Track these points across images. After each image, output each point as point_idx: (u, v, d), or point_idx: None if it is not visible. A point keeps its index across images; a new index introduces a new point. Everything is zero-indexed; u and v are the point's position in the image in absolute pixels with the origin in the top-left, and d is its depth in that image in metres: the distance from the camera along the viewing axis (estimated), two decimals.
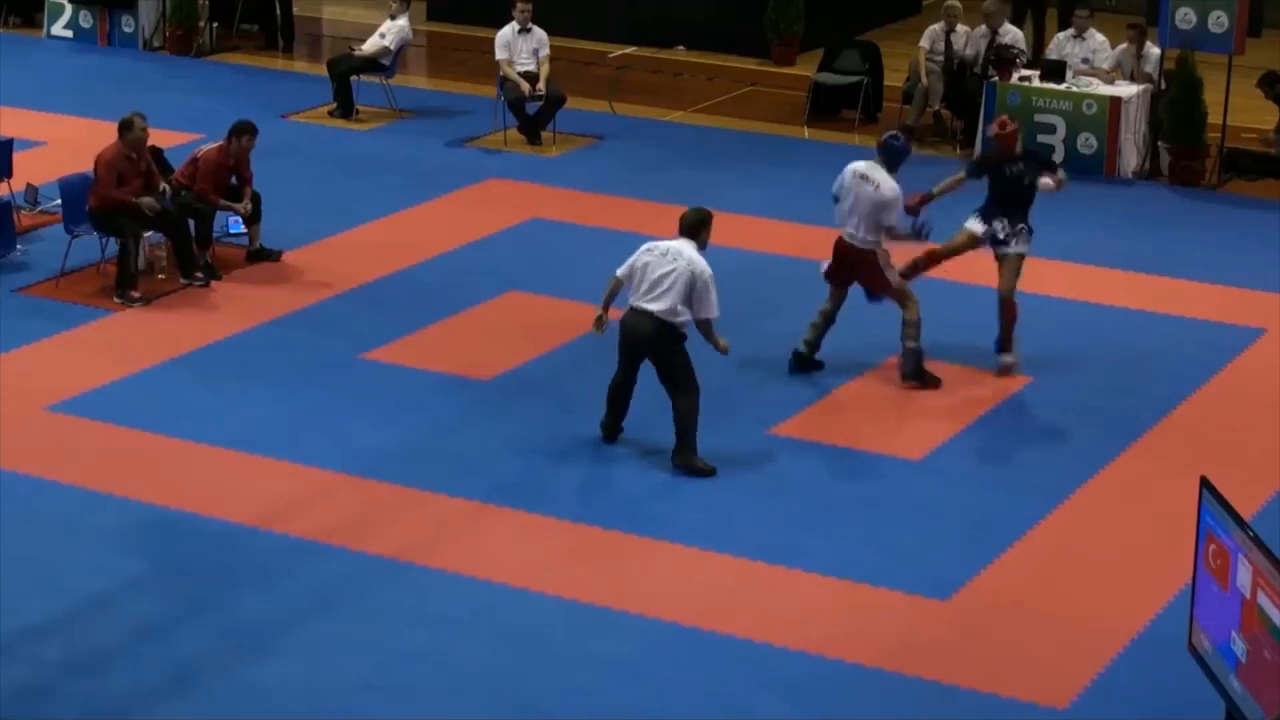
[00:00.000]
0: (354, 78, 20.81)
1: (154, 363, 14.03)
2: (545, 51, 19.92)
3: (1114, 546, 11.62)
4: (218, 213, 16.03)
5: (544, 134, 19.93)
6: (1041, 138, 19.13)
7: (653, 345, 12.48)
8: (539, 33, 19.96)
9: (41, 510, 11.76)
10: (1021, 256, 14.17)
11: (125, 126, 15.37)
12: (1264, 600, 8.35)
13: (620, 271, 12.72)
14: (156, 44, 23.57)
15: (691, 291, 12.34)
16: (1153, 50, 19.52)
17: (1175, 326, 15.16)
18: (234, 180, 16.06)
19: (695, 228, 12.62)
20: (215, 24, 23.97)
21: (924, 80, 20.17)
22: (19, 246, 16.12)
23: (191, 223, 15.66)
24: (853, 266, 13.98)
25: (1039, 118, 19.17)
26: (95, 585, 10.83)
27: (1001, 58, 19.64)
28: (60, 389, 13.49)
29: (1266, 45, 23.26)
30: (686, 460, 12.46)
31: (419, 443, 12.84)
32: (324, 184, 18.42)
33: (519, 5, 19.92)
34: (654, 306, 12.39)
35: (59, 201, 16.04)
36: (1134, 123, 19.11)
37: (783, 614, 10.70)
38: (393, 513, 11.86)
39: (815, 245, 16.75)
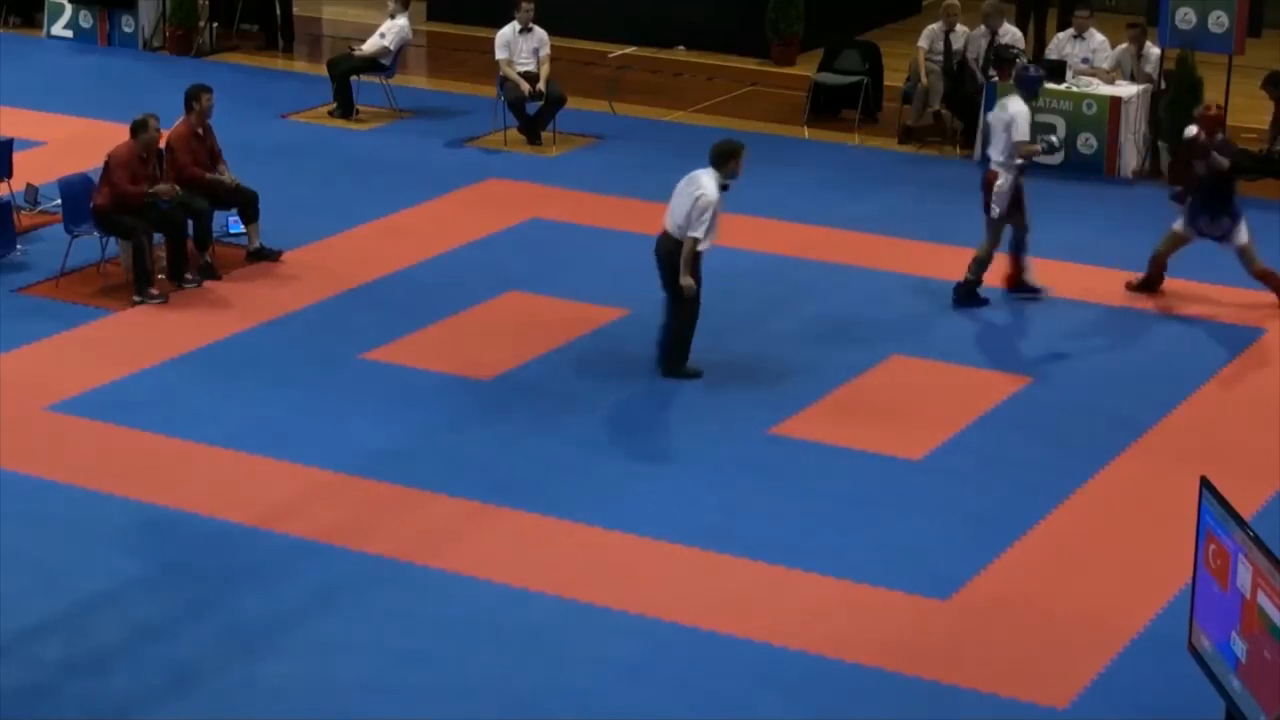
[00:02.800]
0: (354, 78, 20.81)
1: (154, 363, 14.03)
2: (545, 51, 19.92)
3: (1114, 546, 11.62)
4: (217, 213, 16.03)
5: (544, 134, 19.93)
6: (1041, 138, 19.12)
7: (669, 260, 13.57)
8: (539, 33, 19.95)
9: (41, 510, 11.76)
10: (1244, 247, 15.22)
11: (140, 127, 15.35)
12: (1264, 600, 8.35)
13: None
14: (156, 44, 23.56)
15: (690, 211, 13.40)
16: (1153, 50, 19.52)
17: (1175, 326, 15.15)
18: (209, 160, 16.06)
19: (721, 158, 13.54)
20: (215, 24, 23.97)
21: (924, 80, 20.16)
22: (19, 246, 16.13)
23: (189, 223, 15.66)
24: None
25: (1039, 118, 19.12)
26: (95, 585, 10.83)
27: (1001, 57, 19.62)
28: (60, 389, 13.49)
29: (1266, 45, 23.26)
30: (676, 367, 13.72)
31: (419, 443, 12.84)
32: (324, 184, 18.43)
33: (522, 5, 19.89)
34: (668, 225, 13.60)
35: (59, 201, 16.04)
36: (1134, 123, 19.11)
37: (783, 614, 10.69)
38: (393, 513, 11.86)
39: (816, 245, 16.79)
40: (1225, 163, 15.08)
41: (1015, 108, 15.22)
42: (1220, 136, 15.42)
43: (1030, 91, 15.52)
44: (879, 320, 14.75)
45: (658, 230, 13.62)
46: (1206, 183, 15.22)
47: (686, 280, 13.49)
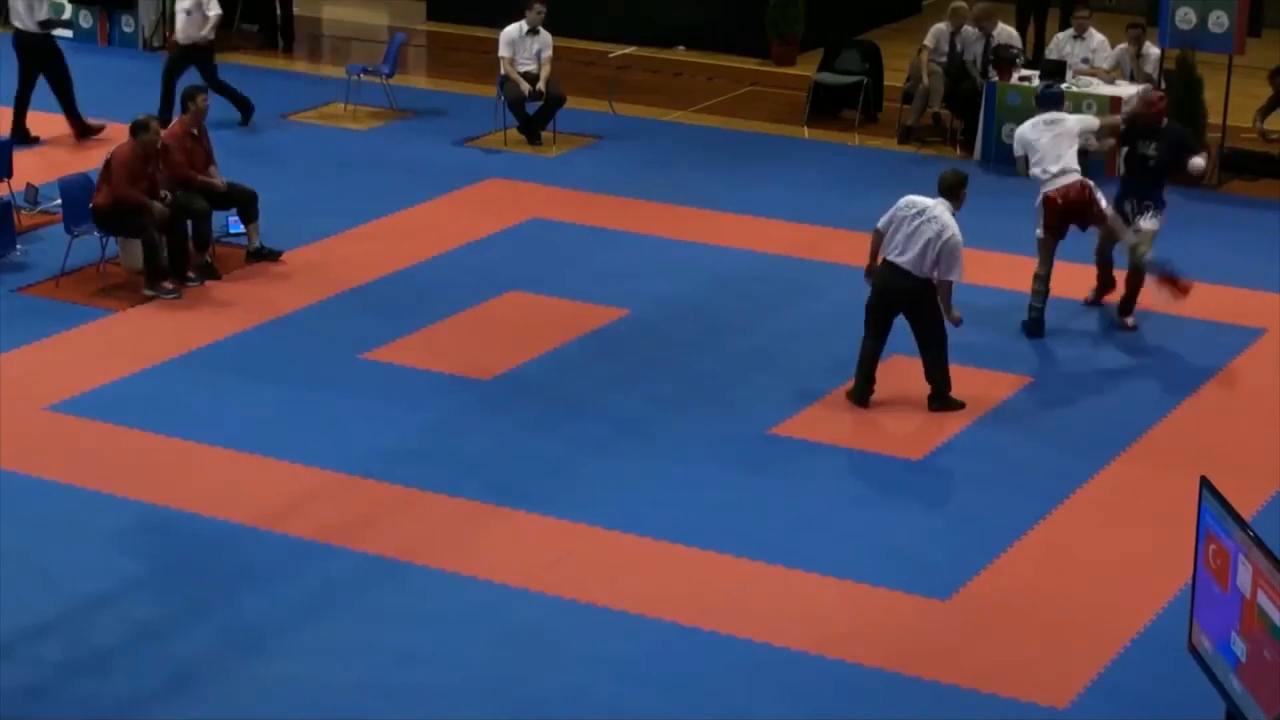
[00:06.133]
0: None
1: (154, 363, 14.03)
2: (548, 54, 19.91)
3: (1114, 546, 11.62)
4: (217, 213, 16.03)
5: (544, 134, 19.93)
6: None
7: (908, 300, 13.23)
8: (545, 35, 19.94)
9: (41, 510, 11.76)
10: (1155, 231, 14.84)
11: (140, 128, 15.33)
12: (1264, 600, 8.35)
13: (881, 224, 13.35)
14: (156, 44, 23.56)
15: (939, 253, 13.01)
16: (1152, 50, 19.52)
17: (1175, 326, 15.15)
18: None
19: (953, 189, 13.28)
20: None
21: (925, 80, 20.14)
22: (19, 246, 16.13)
23: (189, 224, 15.66)
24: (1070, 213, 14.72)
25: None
26: (95, 585, 10.82)
27: (1001, 57, 19.64)
28: (60, 389, 13.49)
29: (1266, 45, 23.25)
30: (945, 402, 13.37)
31: (419, 443, 12.84)
32: (324, 184, 18.43)
33: (535, 6, 19.85)
34: (908, 264, 13.09)
35: (59, 201, 16.03)
36: None
37: (783, 614, 10.69)
38: (393, 513, 11.86)
39: (816, 245, 16.79)
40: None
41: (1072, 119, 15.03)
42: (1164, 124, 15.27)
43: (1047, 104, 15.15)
44: None
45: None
46: (1146, 169, 15.03)
47: (956, 315, 13.23)
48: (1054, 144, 14.72)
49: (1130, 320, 14.99)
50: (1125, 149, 15.40)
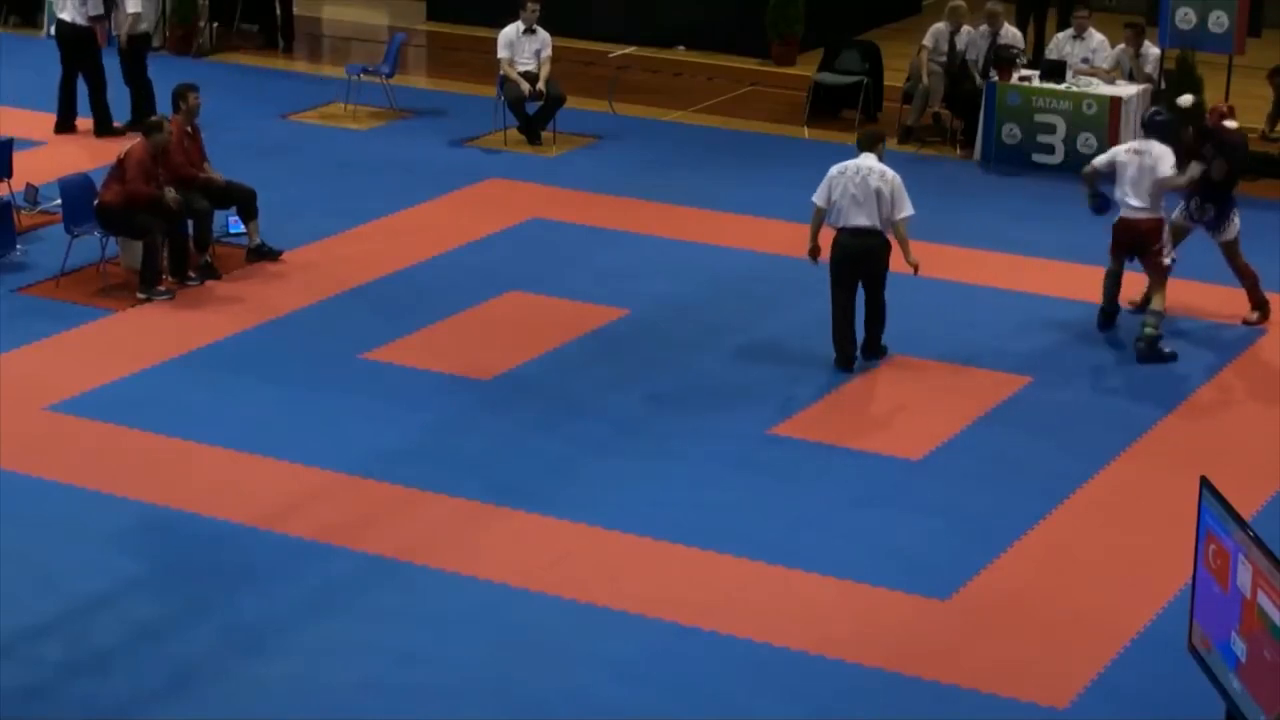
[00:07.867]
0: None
1: (154, 363, 14.03)
2: (547, 52, 19.90)
3: (1114, 546, 11.62)
4: (217, 212, 16.03)
5: (544, 134, 19.93)
6: (1041, 138, 19.14)
7: (874, 259, 13.80)
8: (543, 34, 19.94)
9: (41, 510, 11.76)
10: (1230, 242, 15.13)
11: (155, 127, 15.36)
12: (1264, 600, 8.35)
13: (819, 200, 13.96)
14: (156, 44, 23.53)
15: (891, 195, 13.63)
16: (1151, 50, 19.51)
17: (1175, 326, 15.13)
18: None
19: (874, 141, 14.00)
20: (215, 24, 23.97)
21: (925, 80, 20.13)
22: (19, 246, 16.12)
23: (190, 223, 15.65)
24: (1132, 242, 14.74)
25: (1039, 118, 19.17)
26: (95, 585, 10.82)
27: (1001, 58, 19.64)
28: (60, 389, 13.49)
29: (1266, 45, 23.24)
30: (879, 351, 14.12)
31: (419, 443, 12.84)
32: (324, 184, 18.43)
33: (529, 5, 19.84)
34: (866, 223, 13.70)
35: (59, 201, 16.03)
36: (1134, 123, 19.08)
37: (783, 614, 10.70)
38: (393, 513, 11.86)
39: None
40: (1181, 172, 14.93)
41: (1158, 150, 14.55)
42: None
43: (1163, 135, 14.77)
44: None
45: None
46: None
47: (915, 260, 13.72)
48: (1139, 176, 14.45)
49: (1254, 316, 15.21)
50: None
